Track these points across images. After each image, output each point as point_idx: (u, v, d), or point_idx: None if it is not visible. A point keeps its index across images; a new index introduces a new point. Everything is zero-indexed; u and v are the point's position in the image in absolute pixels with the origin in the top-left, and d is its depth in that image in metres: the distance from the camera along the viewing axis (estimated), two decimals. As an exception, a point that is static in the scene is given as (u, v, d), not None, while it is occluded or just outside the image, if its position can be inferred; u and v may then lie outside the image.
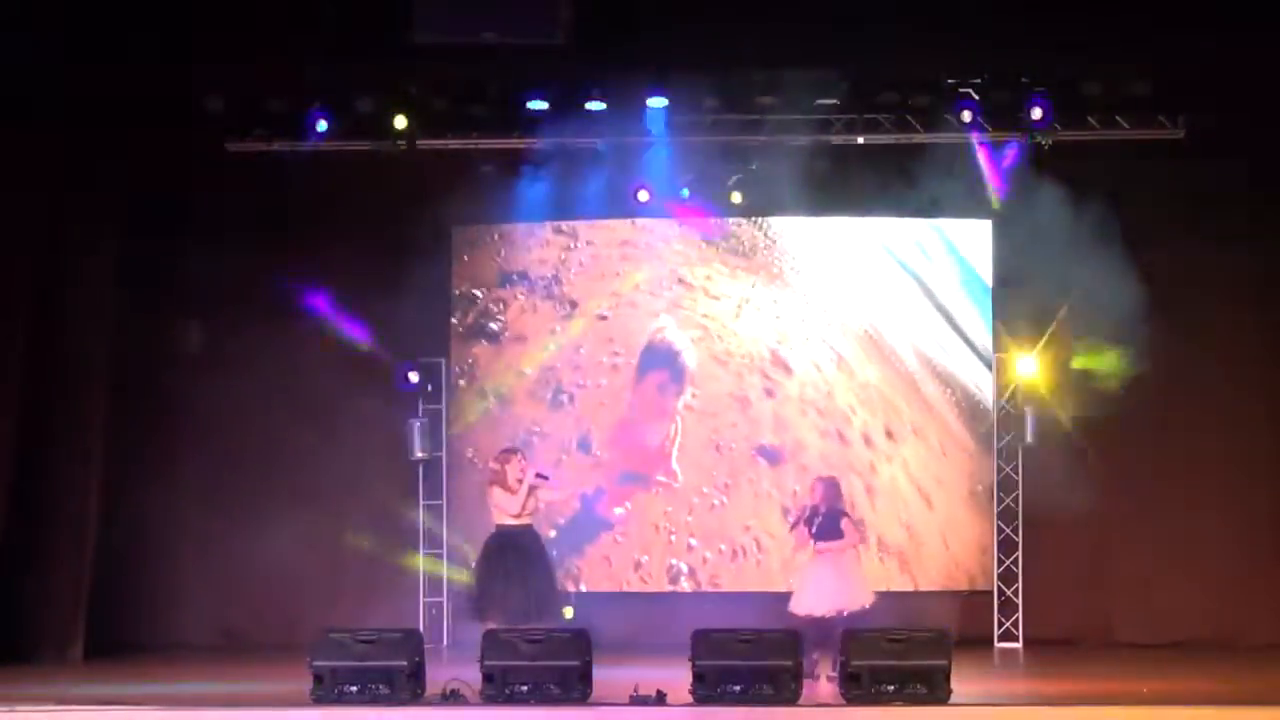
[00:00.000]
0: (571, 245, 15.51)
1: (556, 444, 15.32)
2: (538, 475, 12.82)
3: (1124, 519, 14.81)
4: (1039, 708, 11.25)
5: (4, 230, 13.83)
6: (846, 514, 12.89)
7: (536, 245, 15.49)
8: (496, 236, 15.48)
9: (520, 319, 15.52)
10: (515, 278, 15.52)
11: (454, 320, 15.51)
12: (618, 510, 15.38)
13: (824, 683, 12.14)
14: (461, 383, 15.50)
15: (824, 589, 12.60)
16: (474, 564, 13.07)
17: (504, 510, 12.69)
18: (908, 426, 15.28)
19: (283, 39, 13.43)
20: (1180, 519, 14.82)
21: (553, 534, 14.55)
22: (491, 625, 12.08)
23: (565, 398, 15.44)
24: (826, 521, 12.69)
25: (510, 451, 13.10)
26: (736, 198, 15.21)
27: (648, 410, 15.44)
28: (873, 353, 15.37)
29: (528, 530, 12.83)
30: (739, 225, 15.43)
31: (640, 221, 15.48)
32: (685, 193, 15.21)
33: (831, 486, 12.91)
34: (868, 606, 12.65)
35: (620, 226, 15.51)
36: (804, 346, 15.36)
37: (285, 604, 14.52)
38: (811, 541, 12.68)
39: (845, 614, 12.48)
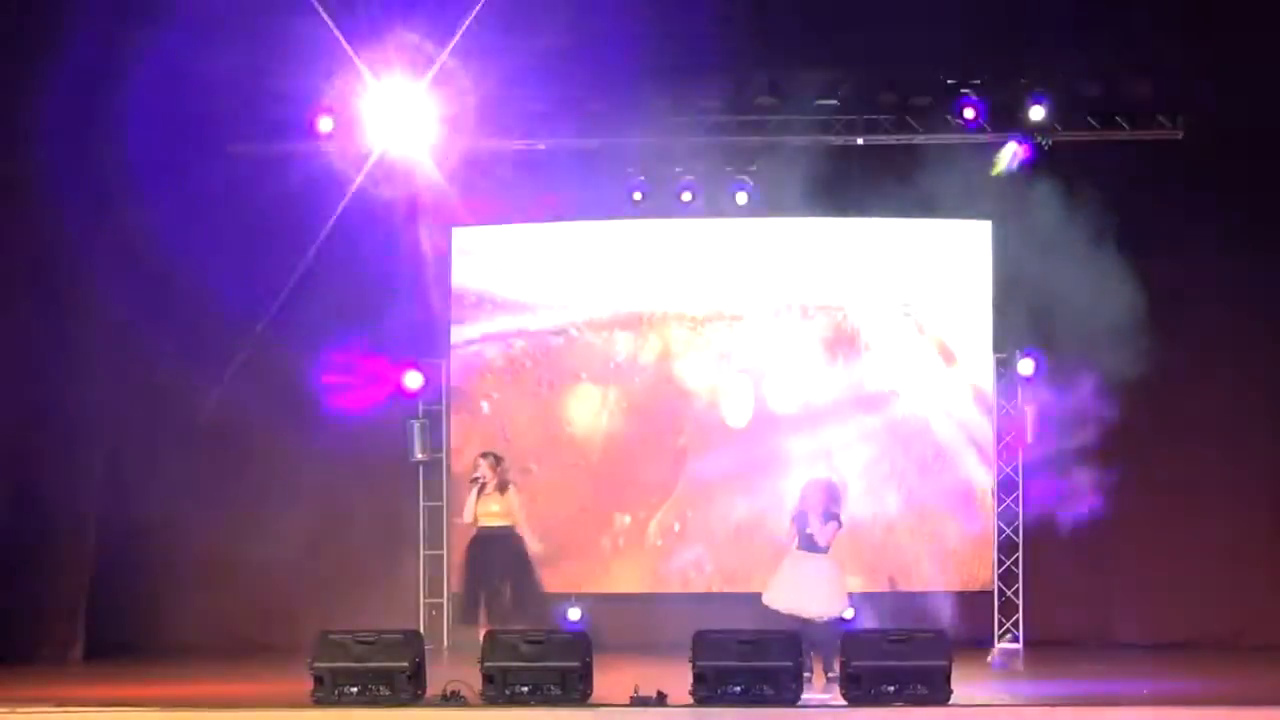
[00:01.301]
0: (694, 330, 15.44)
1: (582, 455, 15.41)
2: (472, 480, 12.94)
3: (1124, 520, 14.78)
4: (1039, 708, 11.25)
5: (5, 229, 13.82)
6: (837, 518, 12.89)
7: (667, 323, 15.45)
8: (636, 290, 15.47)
9: (623, 362, 15.44)
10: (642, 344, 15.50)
11: (562, 335, 15.46)
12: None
13: (823, 684, 12.17)
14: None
15: (804, 591, 12.63)
16: (461, 567, 13.15)
17: (483, 512, 12.74)
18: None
19: (283, 38, 13.42)
20: (1180, 520, 14.82)
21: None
22: (485, 626, 12.13)
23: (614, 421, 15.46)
24: (824, 525, 12.74)
25: (484, 455, 13.15)
26: (741, 198, 15.21)
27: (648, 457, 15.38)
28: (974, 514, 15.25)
29: (510, 531, 12.86)
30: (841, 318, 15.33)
31: (754, 326, 15.38)
32: (687, 196, 15.21)
33: (829, 490, 12.92)
34: (846, 616, 12.77)
35: (741, 322, 15.41)
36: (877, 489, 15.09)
37: (285, 604, 14.50)
38: (795, 542, 12.77)
39: (829, 619, 12.56)
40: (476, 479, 13.23)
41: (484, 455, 13.47)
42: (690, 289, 15.46)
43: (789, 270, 15.37)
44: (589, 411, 15.46)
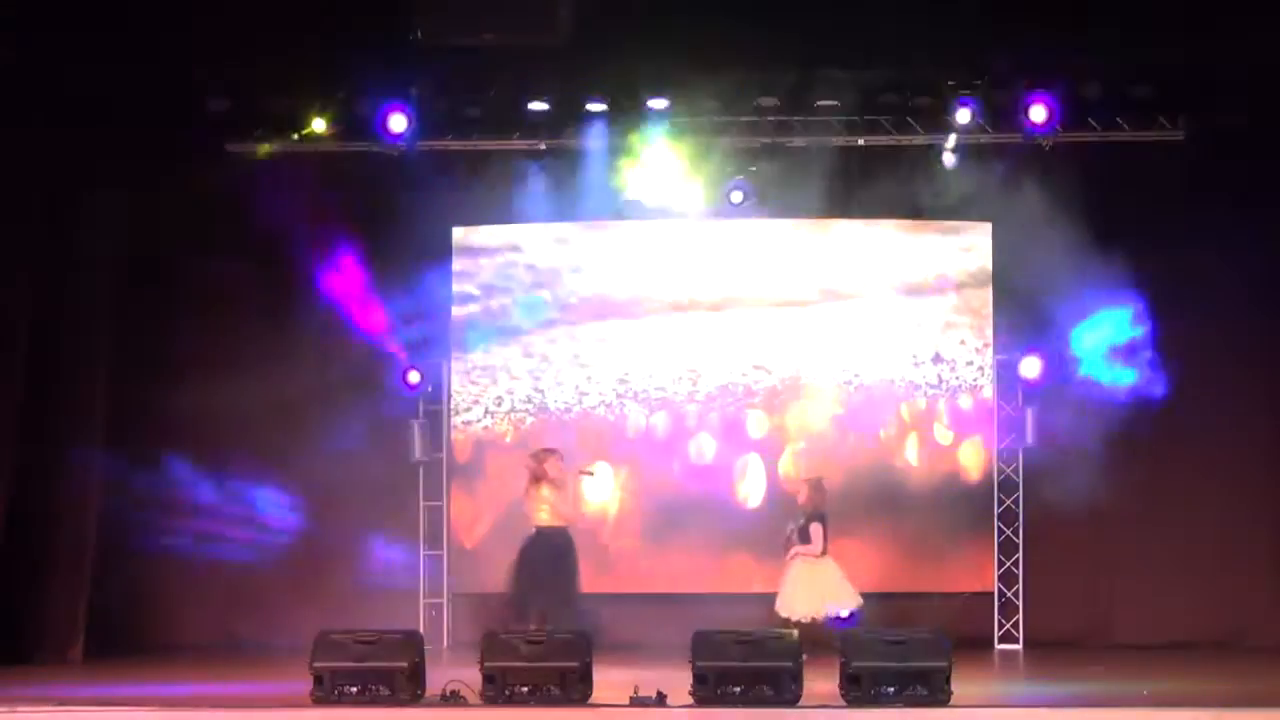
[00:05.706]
0: (706, 405, 15.32)
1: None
2: (582, 472, 12.75)
3: (1124, 520, 14.81)
4: (1039, 709, 11.24)
5: (4, 230, 13.82)
6: (823, 518, 12.89)
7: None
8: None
9: (634, 439, 15.35)
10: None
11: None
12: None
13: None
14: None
15: (803, 591, 12.63)
16: (513, 565, 13.10)
17: (556, 510, 12.64)
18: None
19: (283, 39, 13.42)
20: (1180, 520, 14.83)
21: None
22: (531, 625, 12.20)
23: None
24: (808, 525, 12.77)
25: (549, 451, 13.05)
26: (736, 197, 15.18)
27: None
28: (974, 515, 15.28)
29: (563, 531, 12.74)
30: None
31: (764, 397, 15.32)
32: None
33: (816, 488, 12.92)
34: (853, 612, 12.73)
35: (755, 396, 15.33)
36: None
37: (285, 604, 14.51)
38: (794, 545, 12.78)
39: (831, 617, 12.55)
40: (543, 474, 12.92)
41: (550, 451, 13.22)
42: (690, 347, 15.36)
43: (789, 272, 15.36)
44: (599, 489, 15.15)
